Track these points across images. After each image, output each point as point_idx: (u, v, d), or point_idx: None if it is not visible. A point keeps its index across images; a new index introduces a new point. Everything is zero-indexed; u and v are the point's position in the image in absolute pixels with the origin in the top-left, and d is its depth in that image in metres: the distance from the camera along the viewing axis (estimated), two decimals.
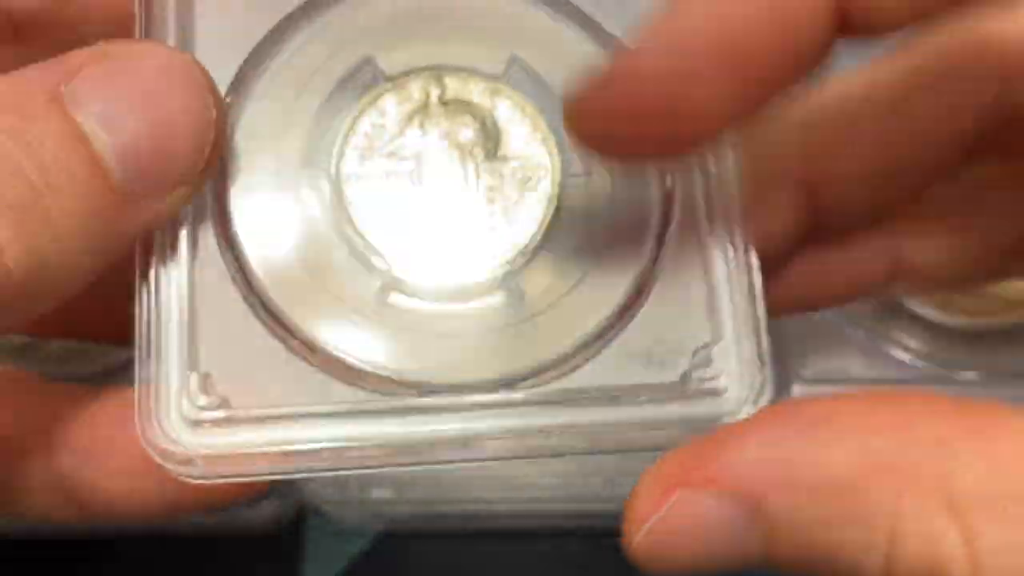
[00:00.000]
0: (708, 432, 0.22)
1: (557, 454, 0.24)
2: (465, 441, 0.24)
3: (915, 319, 0.34)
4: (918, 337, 0.34)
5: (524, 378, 0.24)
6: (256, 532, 0.36)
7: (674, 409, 0.24)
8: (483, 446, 0.24)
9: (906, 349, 0.33)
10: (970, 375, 0.33)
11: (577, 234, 0.25)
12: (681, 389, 0.24)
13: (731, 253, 0.25)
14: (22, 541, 0.36)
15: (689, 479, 0.21)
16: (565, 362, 0.24)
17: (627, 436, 0.24)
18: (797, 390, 0.33)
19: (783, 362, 0.33)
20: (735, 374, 0.24)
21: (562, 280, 0.25)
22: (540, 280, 0.25)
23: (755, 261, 0.25)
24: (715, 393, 0.24)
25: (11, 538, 0.36)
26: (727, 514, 0.20)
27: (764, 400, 0.24)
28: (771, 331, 0.26)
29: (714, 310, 0.25)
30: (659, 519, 0.21)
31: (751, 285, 0.25)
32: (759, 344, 0.24)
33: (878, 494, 0.19)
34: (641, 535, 0.21)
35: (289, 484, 0.35)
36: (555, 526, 0.36)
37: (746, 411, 0.24)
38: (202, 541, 0.36)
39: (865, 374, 0.33)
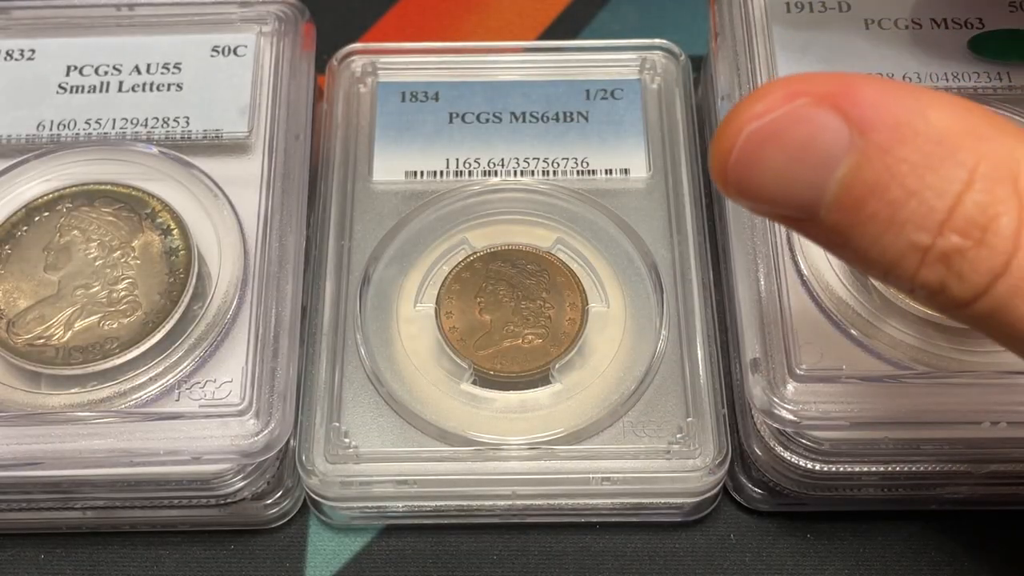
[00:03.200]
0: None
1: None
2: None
3: (910, 318, 0.34)
4: (913, 336, 0.34)
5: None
6: (258, 527, 0.37)
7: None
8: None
9: (899, 347, 0.34)
10: (963, 374, 0.33)
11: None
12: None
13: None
14: (22, 535, 0.37)
15: (814, 93, 0.23)
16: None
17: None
18: (792, 388, 0.33)
19: (778, 360, 0.34)
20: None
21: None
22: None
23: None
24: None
25: (11, 532, 0.37)
26: (834, 130, 0.23)
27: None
28: (767, 330, 0.34)
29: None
30: (772, 119, 0.23)
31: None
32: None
33: (964, 154, 0.22)
34: (747, 133, 0.23)
35: (294, 480, 0.36)
36: (555, 520, 0.37)
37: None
38: (203, 536, 0.37)
39: (858, 372, 0.34)
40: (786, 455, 0.35)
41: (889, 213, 0.23)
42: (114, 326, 0.35)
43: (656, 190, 0.40)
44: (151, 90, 0.40)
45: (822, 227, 0.24)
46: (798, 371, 0.33)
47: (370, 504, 0.36)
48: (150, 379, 0.34)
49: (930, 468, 0.35)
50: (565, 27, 0.48)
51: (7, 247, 0.36)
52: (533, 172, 0.40)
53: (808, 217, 0.24)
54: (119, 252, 0.36)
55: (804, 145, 0.23)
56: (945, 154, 0.22)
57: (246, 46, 0.40)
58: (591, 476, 0.35)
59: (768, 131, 0.23)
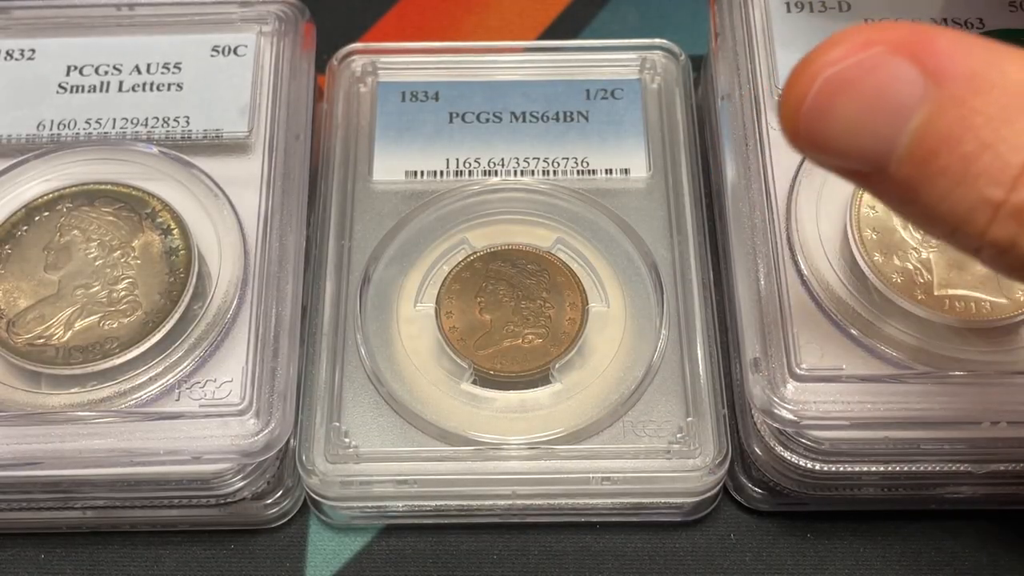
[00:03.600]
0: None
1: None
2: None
3: (910, 317, 0.34)
4: (913, 336, 0.34)
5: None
6: (258, 527, 0.37)
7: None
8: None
9: (899, 347, 0.34)
10: (963, 374, 0.33)
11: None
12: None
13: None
14: (22, 535, 0.37)
15: (890, 41, 0.22)
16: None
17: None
18: (792, 387, 0.33)
19: (778, 360, 0.34)
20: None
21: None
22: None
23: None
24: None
25: (11, 532, 0.37)
26: (909, 80, 0.22)
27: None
28: (767, 330, 0.34)
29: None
30: (847, 65, 0.22)
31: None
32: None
33: None
34: (822, 80, 0.23)
35: (294, 480, 0.36)
36: (555, 520, 0.37)
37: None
38: (203, 536, 0.37)
39: (858, 372, 0.34)
40: (786, 455, 0.35)
41: (962, 167, 0.22)
42: (114, 326, 0.35)
43: (656, 190, 0.40)
44: (151, 90, 0.40)
45: (891, 181, 0.23)
46: (798, 371, 0.33)
47: (370, 504, 0.36)
48: (150, 379, 0.34)
49: (930, 468, 0.35)
50: (565, 27, 0.48)
51: (7, 247, 0.36)
52: (533, 172, 0.40)
53: (877, 171, 0.23)
54: (119, 252, 0.36)
55: (878, 94, 0.22)
56: (1022, 107, 0.22)
57: (246, 46, 0.40)
58: (591, 476, 0.35)
59: (843, 78, 0.22)
